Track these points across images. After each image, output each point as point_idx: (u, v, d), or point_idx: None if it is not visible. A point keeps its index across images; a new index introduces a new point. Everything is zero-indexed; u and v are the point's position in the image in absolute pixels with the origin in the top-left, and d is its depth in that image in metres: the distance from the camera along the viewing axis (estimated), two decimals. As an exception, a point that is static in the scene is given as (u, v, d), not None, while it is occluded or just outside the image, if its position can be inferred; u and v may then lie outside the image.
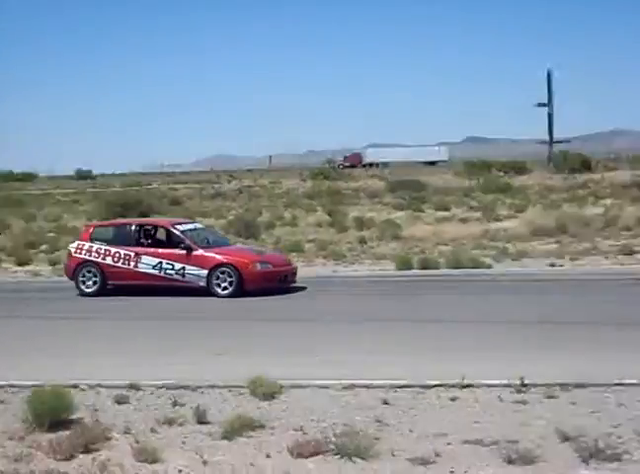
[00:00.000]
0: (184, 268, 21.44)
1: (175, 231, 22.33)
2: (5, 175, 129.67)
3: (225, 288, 21.15)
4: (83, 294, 22.07)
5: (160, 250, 22.00)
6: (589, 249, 27.57)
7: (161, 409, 10.87)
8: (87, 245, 22.42)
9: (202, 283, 21.32)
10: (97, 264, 22.15)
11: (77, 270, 22.33)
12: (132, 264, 21.89)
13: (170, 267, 21.57)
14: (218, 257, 21.60)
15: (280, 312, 19.07)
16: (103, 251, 22.19)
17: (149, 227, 23.48)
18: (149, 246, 22.38)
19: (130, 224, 23.47)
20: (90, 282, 22.18)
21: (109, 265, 22.04)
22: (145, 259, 21.82)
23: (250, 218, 38.95)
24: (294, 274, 22.37)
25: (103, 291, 22.04)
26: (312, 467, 8.88)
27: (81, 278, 22.23)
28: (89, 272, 22.20)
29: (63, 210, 54.47)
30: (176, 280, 21.56)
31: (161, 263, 21.67)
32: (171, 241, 22.35)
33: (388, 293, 21.70)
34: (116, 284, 22.20)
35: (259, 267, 21.42)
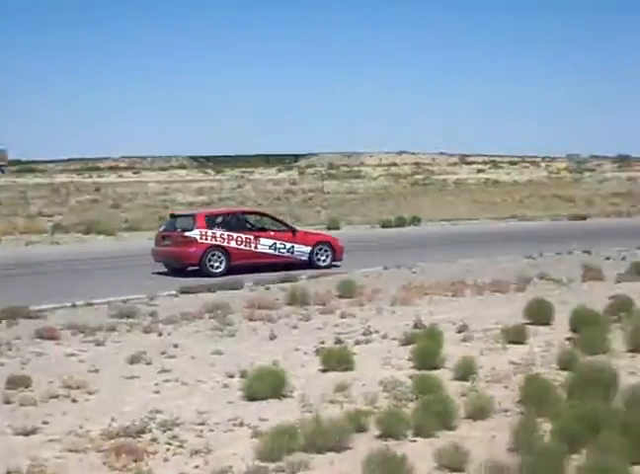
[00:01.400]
0: (293, 246, 26.74)
1: (275, 217, 29.42)
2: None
3: (324, 261, 26.93)
4: (210, 275, 24.78)
5: (272, 232, 26.98)
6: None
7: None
8: (210, 232, 25.78)
9: (305, 258, 26.84)
10: (223, 247, 25.74)
11: (204, 254, 25.47)
12: (253, 245, 26.19)
13: (282, 246, 26.59)
14: (318, 236, 28.47)
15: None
16: (226, 236, 25.94)
17: (254, 215, 29.06)
18: (259, 230, 27.08)
19: (239, 213, 28.74)
20: (218, 263, 25.62)
21: (233, 248, 25.84)
22: (263, 241, 26.41)
23: None
24: None
25: (229, 271, 25.25)
26: None
27: (210, 262, 25.52)
28: (215, 255, 25.63)
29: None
30: (287, 257, 26.70)
31: (275, 243, 26.54)
32: (274, 225, 27.86)
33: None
34: (239, 264, 25.63)
35: (340, 243, 27.66)
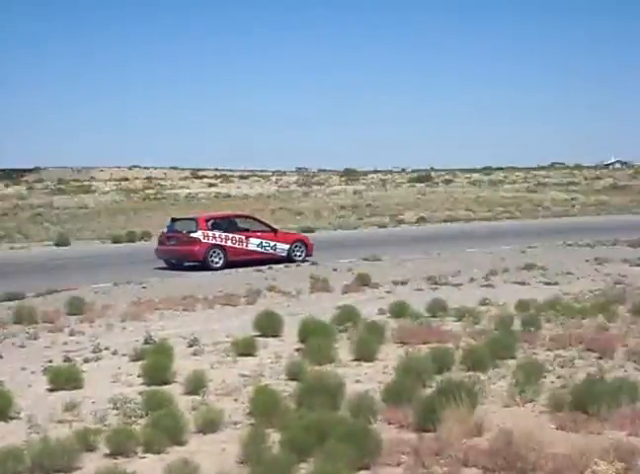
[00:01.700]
0: (275, 244, 31.13)
1: (260, 219, 33.82)
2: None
3: (300, 256, 31.36)
4: (212, 269, 29.30)
5: (259, 233, 31.24)
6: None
7: None
8: (211, 233, 30.06)
9: (285, 254, 31.15)
10: (222, 246, 30.12)
11: (207, 251, 29.75)
12: (245, 244, 30.61)
13: (267, 244, 31.04)
14: (294, 235, 33.75)
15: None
16: (224, 236, 30.27)
17: (241, 218, 33.21)
18: (247, 231, 31.19)
19: (232, 216, 33.20)
20: (217, 259, 29.94)
21: (230, 246, 30.25)
22: (252, 240, 30.82)
23: None
24: None
25: (226, 266, 29.56)
26: None
27: (211, 258, 29.80)
28: (215, 252, 29.94)
29: None
30: (271, 254, 30.98)
31: (262, 242, 30.99)
32: (257, 226, 31.87)
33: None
34: (234, 260, 29.93)
35: (311, 241, 32.69)
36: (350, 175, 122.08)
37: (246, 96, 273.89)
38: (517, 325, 16.54)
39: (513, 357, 13.94)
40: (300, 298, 21.94)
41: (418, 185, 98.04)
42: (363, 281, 23.66)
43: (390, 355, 14.35)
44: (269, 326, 16.58)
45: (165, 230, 31.87)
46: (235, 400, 11.88)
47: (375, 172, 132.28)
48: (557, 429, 10.30)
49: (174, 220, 32.52)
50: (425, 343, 15.04)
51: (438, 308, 18.61)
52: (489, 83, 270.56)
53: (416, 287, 23.38)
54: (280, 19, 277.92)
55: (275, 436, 9.69)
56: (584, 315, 17.66)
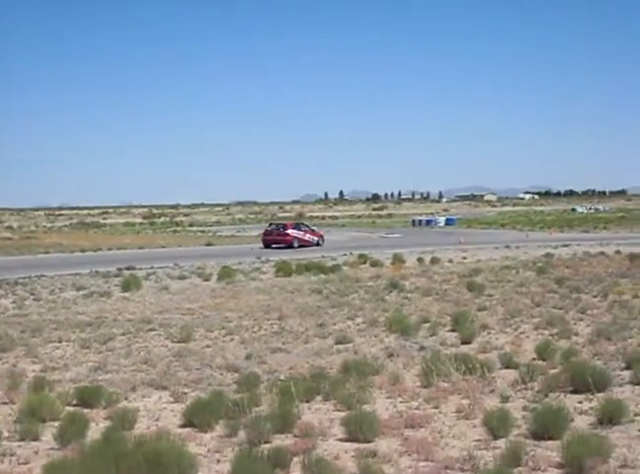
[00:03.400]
0: (313, 237, 66.14)
1: (308, 224, 73.63)
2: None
3: (321, 244, 65.35)
4: (293, 248, 61.67)
5: (308, 230, 67.33)
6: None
7: None
8: (292, 230, 65.32)
9: (316, 242, 65.52)
10: (296, 237, 64.58)
11: (292, 239, 64.13)
12: (303, 236, 65.21)
13: (311, 237, 65.91)
14: (319, 233, 68.40)
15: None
16: (296, 232, 65.30)
17: (301, 223, 72.95)
18: (303, 230, 66.91)
19: (297, 222, 74.75)
20: (295, 243, 63.56)
21: (299, 237, 64.80)
22: (307, 234, 65.99)
23: None
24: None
25: (298, 247, 63.03)
26: None
27: (293, 242, 63.61)
28: (295, 240, 64.07)
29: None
30: (311, 241, 65.19)
31: (309, 235, 65.78)
32: (306, 228, 68.15)
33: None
34: (300, 244, 63.44)
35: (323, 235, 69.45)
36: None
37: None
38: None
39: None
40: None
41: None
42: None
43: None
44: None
45: (268, 228, 67.89)
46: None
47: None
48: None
49: (271, 224, 71.25)
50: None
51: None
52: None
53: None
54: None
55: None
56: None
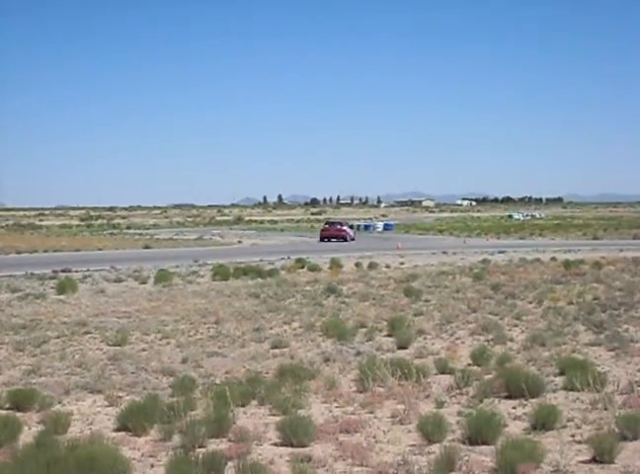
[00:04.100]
0: (350, 233, 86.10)
1: (347, 223, 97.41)
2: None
3: (353, 238, 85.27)
4: (346, 241, 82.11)
5: (347, 225, 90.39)
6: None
7: None
8: (346, 227, 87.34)
9: (351, 237, 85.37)
10: (348, 232, 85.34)
11: (347, 234, 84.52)
12: (349, 232, 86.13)
13: (350, 232, 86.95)
14: (351, 229, 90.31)
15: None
16: (347, 228, 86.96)
17: (345, 222, 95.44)
18: (347, 227, 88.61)
19: (345, 220, 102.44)
20: (348, 237, 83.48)
21: (349, 233, 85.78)
22: (350, 231, 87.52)
23: None
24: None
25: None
26: None
27: (347, 237, 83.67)
28: (348, 234, 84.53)
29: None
30: (351, 236, 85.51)
31: (351, 231, 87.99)
32: (348, 225, 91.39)
33: None
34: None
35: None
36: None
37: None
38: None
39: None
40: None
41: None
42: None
43: None
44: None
45: (325, 226, 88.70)
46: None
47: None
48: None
49: (327, 223, 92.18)
50: None
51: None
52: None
53: None
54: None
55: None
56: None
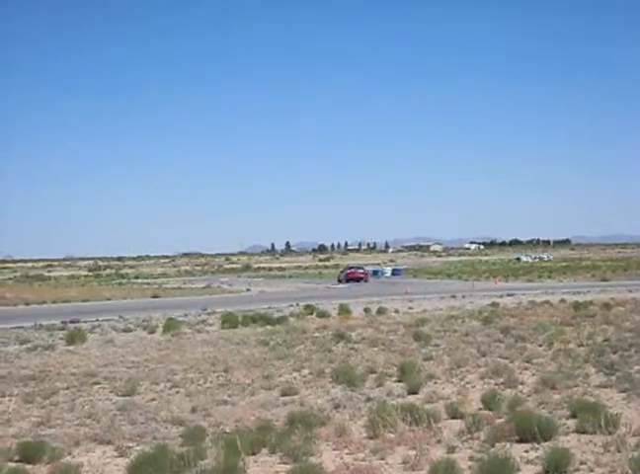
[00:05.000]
0: (367, 274, 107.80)
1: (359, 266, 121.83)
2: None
3: (367, 280, 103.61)
4: (366, 282, 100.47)
5: (366, 271, 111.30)
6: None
7: None
8: (366, 270, 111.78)
9: (368, 278, 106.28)
10: (366, 274, 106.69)
11: (366, 276, 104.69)
12: (366, 274, 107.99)
13: (366, 274, 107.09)
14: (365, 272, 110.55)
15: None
16: (366, 271, 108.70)
17: (362, 266, 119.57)
18: (360, 269, 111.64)
19: (361, 266, 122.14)
20: (367, 279, 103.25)
21: (367, 274, 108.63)
22: (365, 271, 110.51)
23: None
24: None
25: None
26: None
27: (366, 279, 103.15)
28: (367, 276, 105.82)
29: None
30: (365, 277, 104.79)
31: (366, 272, 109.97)
32: (364, 269, 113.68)
33: None
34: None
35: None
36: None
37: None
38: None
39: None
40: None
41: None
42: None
43: None
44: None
45: (348, 269, 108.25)
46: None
47: None
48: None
49: (350, 267, 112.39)
50: None
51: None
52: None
53: None
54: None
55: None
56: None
